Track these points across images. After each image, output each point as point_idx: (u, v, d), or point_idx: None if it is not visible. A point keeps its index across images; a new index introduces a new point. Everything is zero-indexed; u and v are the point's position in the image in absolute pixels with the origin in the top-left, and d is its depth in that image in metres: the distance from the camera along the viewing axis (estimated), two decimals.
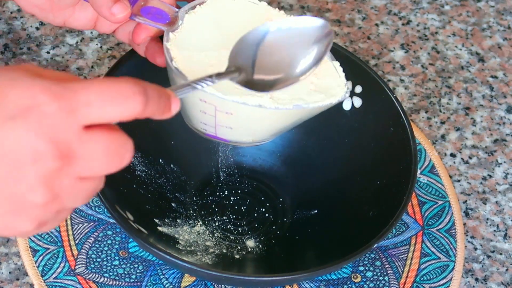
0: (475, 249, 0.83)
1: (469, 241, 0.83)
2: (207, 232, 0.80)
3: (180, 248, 0.77)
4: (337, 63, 0.70)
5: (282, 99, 0.64)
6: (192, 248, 0.78)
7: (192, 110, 0.68)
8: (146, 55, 0.73)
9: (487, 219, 0.85)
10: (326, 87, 0.68)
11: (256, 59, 0.62)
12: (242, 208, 0.83)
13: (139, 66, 0.80)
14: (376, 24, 1.01)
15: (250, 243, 0.81)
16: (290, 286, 0.77)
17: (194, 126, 0.70)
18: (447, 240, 0.81)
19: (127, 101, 0.48)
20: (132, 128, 0.78)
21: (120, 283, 0.75)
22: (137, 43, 0.71)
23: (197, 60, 0.67)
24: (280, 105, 0.64)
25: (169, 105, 0.52)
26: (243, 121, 0.66)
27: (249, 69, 0.62)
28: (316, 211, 0.82)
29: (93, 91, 0.48)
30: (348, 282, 0.78)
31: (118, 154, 0.49)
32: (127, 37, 0.74)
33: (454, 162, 0.89)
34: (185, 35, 0.69)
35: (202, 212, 0.82)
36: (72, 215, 0.79)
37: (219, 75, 0.59)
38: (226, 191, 0.84)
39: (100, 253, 0.77)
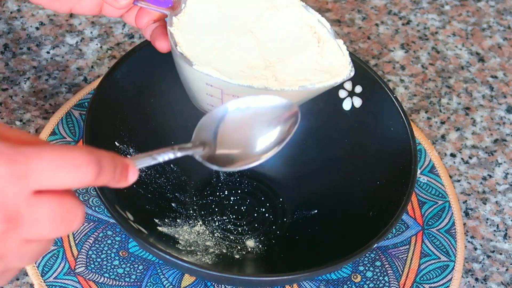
0: (475, 249, 0.83)
1: (469, 241, 0.83)
2: (207, 232, 0.80)
3: (180, 248, 0.77)
4: (341, 41, 0.69)
5: (288, 80, 0.64)
6: (192, 248, 0.78)
7: (199, 93, 0.67)
8: (150, 39, 0.73)
9: (487, 219, 0.85)
10: (330, 66, 0.67)
11: (218, 136, 0.61)
12: (242, 208, 0.83)
13: (139, 66, 0.80)
14: (376, 24, 1.01)
15: (250, 243, 0.81)
16: (290, 286, 0.77)
17: (202, 107, 0.70)
18: (447, 240, 0.81)
19: (78, 170, 0.49)
20: (132, 128, 0.79)
21: (120, 283, 0.75)
22: (140, 27, 0.71)
23: (202, 44, 0.67)
24: (286, 86, 0.63)
25: (126, 175, 0.53)
26: None
27: (212, 145, 0.61)
28: (316, 211, 0.82)
29: (45, 158, 0.48)
30: (348, 282, 0.78)
31: (66, 219, 0.50)
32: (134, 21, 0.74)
33: (454, 162, 0.89)
34: (189, 18, 0.68)
35: (202, 212, 0.82)
36: None
37: (181, 148, 0.58)
38: (226, 191, 0.84)
39: (100, 253, 0.77)
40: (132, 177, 0.53)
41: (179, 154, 0.58)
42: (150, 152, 0.56)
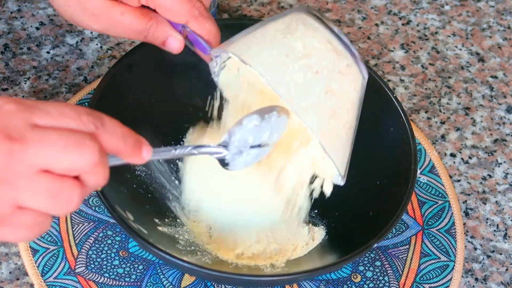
0: (475, 249, 0.83)
1: (469, 241, 0.83)
2: None
3: (180, 248, 0.77)
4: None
5: None
6: (192, 248, 0.78)
7: None
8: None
9: (487, 219, 0.85)
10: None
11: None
12: None
13: (139, 66, 0.80)
14: (376, 24, 1.01)
15: None
16: (290, 286, 0.77)
17: None
18: (447, 240, 0.81)
19: (78, 118, 0.52)
20: (132, 128, 0.78)
21: (120, 283, 0.75)
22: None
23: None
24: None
25: (139, 150, 0.55)
26: None
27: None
28: (316, 211, 0.82)
29: (51, 105, 0.52)
30: (348, 282, 0.78)
31: (62, 195, 0.51)
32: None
33: (454, 162, 0.89)
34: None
35: None
36: (72, 215, 0.79)
37: (201, 147, 0.62)
38: None
39: (100, 253, 0.77)
40: (146, 154, 0.55)
41: (203, 152, 0.62)
42: (170, 147, 0.60)
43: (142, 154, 0.55)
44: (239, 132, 0.61)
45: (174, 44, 0.72)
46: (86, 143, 0.51)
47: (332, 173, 0.71)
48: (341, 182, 0.69)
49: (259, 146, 0.66)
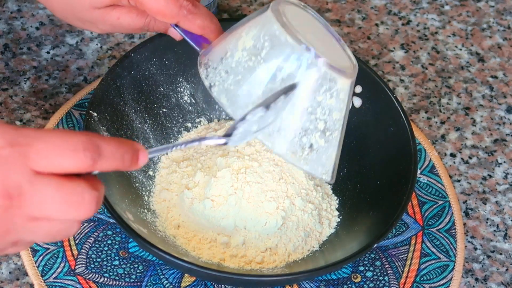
0: (475, 249, 0.83)
1: (469, 241, 0.83)
2: None
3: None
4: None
5: None
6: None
7: None
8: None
9: (487, 219, 0.85)
10: None
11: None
12: None
13: (139, 66, 0.80)
14: (376, 24, 1.01)
15: None
16: (290, 286, 0.77)
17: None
18: (447, 240, 0.81)
19: (75, 154, 0.52)
20: (132, 127, 0.79)
21: (120, 283, 0.75)
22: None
23: None
24: None
25: (136, 159, 0.55)
26: None
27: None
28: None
29: (46, 141, 0.51)
30: (348, 282, 0.78)
31: (69, 200, 0.52)
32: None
33: (454, 162, 0.89)
34: None
35: None
36: None
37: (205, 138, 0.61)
38: None
39: (100, 253, 0.77)
40: (142, 161, 0.56)
41: (205, 143, 0.61)
42: (168, 145, 0.59)
43: (138, 162, 0.56)
44: (242, 126, 0.61)
45: (176, 34, 0.74)
46: (84, 201, 0.52)
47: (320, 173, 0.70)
48: (330, 181, 0.69)
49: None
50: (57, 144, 0.52)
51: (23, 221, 0.52)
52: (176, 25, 0.72)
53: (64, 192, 0.52)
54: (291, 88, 0.63)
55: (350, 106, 0.69)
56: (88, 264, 0.76)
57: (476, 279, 0.80)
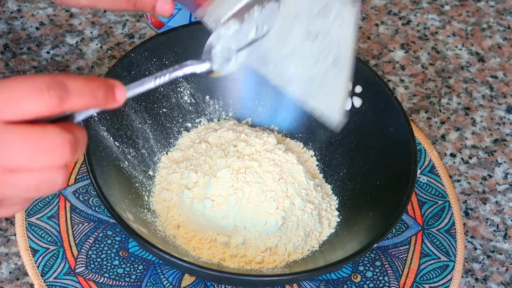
0: (475, 249, 0.83)
1: (469, 241, 0.83)
2: None
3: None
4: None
5: None
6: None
7: None
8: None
9: (487, 219, 0.85)
10: None
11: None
12: None
13: (139, 66, 0.80)
14: (376, 24, 1.01)
15: None
16: (290, 286, 0.77)
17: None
18: (447, 240, 0.81)
19: (40, 95, 0.50)
20: (132, 127, 0.79)
21: (120, 283, 0.75)
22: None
23: None
24: None
25: (113, 95, 0.53)
26: None
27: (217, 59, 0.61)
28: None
29: (8, 88, 0.50)
30: (348, 282, 0.78)
31: (40, 146, 0.50)
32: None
33: (454, 162, 0.89)
34: None
35: None
36: (72, 215, 0.79)
37: (185, 65, 0.58)
38: None
39: (100, 253, 0.77)
40: (120, 97, 0.53)
41: (186, 71, 0.57)
42: (150, 77, 0.56)
43: (116, 97, 0.53)
44: (218, 43, 0.58)
45: (164, 7, 0.72)
46: (55, 144, 0.51)
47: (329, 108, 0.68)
48: (338, 124, 0.67)
49: (248, 45, 0.61)
50: (21, 89, 0.50)
51: (0, 175, 0.51)
52: None
53: (33, 137, 0.50)
54: None
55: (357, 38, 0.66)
56: (88, 264, 0.76)
57: (476, 279, 0.80)
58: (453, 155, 0.89)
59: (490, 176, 0.88)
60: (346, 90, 0.67)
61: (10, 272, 0.76)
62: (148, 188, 0.79)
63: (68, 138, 0.51)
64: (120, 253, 0.77)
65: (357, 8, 0.65)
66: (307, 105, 0.65)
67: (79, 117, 0.53)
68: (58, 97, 0.50)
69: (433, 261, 0.80)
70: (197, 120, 0.85)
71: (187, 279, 0.76)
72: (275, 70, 0.63)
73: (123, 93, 0.54)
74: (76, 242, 0.77)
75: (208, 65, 0.58)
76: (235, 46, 0.59)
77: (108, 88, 0.53)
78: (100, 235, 0.78)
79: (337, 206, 0.81)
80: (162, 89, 0.82)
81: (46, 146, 0.50)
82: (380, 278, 0.78)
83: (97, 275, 0.75)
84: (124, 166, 0.77)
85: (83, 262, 0.76)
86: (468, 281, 0.80)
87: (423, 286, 0.78)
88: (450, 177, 0.87)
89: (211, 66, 0.58)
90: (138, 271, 0.76)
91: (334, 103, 0.66)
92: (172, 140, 0.83)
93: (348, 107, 0.81)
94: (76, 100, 0.51)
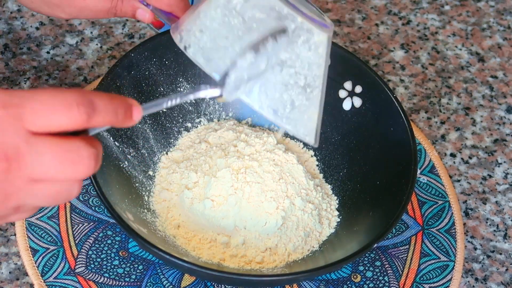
0: (475, 249, 0.83)
1: (469, 241, 0.83)
2: None
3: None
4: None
5: None
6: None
7: None
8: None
9: (487, 219, 0.85)
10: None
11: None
12: None
13: (139, 66, 0.80)
14: (376, 24, 1.01)
15: None
16: (290, 286, 0.77)
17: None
18: (447, 240, 0.81)
19: (69, 110, 0.51)
20: (132, 128, 0.79)
21: (120, 283, 0.75)
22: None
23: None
24: None
25: (130, 114, 0.55)
26: None
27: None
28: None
29: (39, 100, 0.51)
30: (348, 282, 0.78)
31: (67, 158, 0.52)
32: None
33: (454, 162, 0.89)
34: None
35: None
36: (72, 215, 0.79)
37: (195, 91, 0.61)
38: None
39: (100, 253, 0.77)
40: (136, 116, 0.55)
41: (199, 95, 0.60)
42: (163, 99, 0.58)
43: (133, 117, 0.55)
44: (234, 73, 0.60)
45: (143, 16, 0.76)
46: (81, 158, 0.52)
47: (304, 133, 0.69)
48: (314, 143, 0.68)
49: (258, 76, 0.64)
50: (51, 102, 0.51)
51: (23, 184, 0.52)
52: (147, 4, 0.74)
53: (61, 150, 0.51)
54: (280, 31, 0.62)
55: (329, 63, 0.68)
56: (88, 264, 0.76)
57: (476, 279, 0.80)
58: (453, 155, 0.89)
59: (490, 176, 0.88)
60: (320, 112, 0.68)
61: (10, 272, 0.76)
62: (148, 188, 0.79)
63: (93, 152, 0.53)
64: (120, 253, 0.77)
65: (329, 33, 0.66)
66: (281, 127, 0.66)
67: (94, 131, 0.55)
68: (86, 114, 0.52)
69: (433, 261, 0.80)
70: (197, 120, 0.85)
71: (187, 279, 0.76)
72: (249, 96, 0.65)
73: (140, 113, 0.56)
74: (76, 242, 0.77)
75: (219, 92, 0.61)
76: (247, 76, 0.61)
77: (127, 107, 0.55)
78: (100, 235, 0.78)
79: (337, 206, 0.81)
80: (162, 89, 0.82)
81: (73, 158, 0.52)
82: (380, 278, 0.78)
83: (97, 275, 0.75)
84: (124, 166, 0.77)
85: (83, 262, 0.76)
86: (468, 281, 0.80)
87: (423, 286, 0.78)
88: (450, 177, 0.87)
89: (222, 92, 0.61)
90: (138, 271, 0.76)
91: (308, 125, 0.67)
92: (172, 140, 0.83)
93: (348, 107, 0.81)
94: (101, 118, 0.53)
